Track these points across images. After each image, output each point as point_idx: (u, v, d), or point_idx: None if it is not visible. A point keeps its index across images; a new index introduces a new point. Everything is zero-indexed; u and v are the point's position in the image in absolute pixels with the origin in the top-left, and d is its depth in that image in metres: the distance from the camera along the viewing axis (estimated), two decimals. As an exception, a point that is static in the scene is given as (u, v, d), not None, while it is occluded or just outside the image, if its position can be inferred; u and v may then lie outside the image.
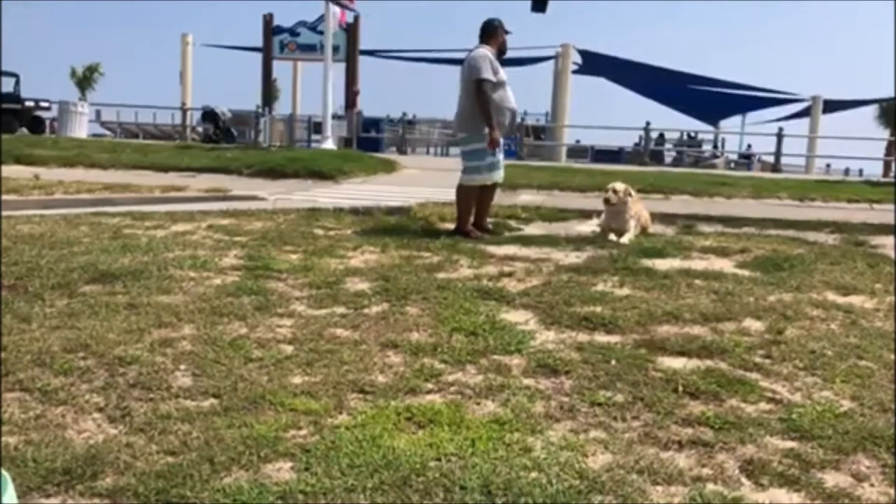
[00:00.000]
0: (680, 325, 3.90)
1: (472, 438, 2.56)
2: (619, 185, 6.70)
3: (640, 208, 6.87)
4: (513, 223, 7.40)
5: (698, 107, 32.68)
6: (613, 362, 3.32)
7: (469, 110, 6.59)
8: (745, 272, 5.18)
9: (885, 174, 21.95)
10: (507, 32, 6.83)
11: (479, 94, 6.46)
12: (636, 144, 26.55)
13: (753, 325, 3.95)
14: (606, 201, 6.67)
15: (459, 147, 7.02)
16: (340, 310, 4.03)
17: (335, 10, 18.68)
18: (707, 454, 2.55)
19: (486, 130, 6.50)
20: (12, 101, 23.91)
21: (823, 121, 27.18)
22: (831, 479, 2.41)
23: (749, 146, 31.41)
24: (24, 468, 2.30)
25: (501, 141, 6.77)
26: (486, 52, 6.60)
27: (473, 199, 6.76)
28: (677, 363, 3.35)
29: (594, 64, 30.91)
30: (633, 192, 6.74)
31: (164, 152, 15.41)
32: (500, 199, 8.83)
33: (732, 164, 28.41)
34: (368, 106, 25.12)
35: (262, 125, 22.56)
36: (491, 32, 6.75)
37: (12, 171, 10.67)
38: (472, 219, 6.72)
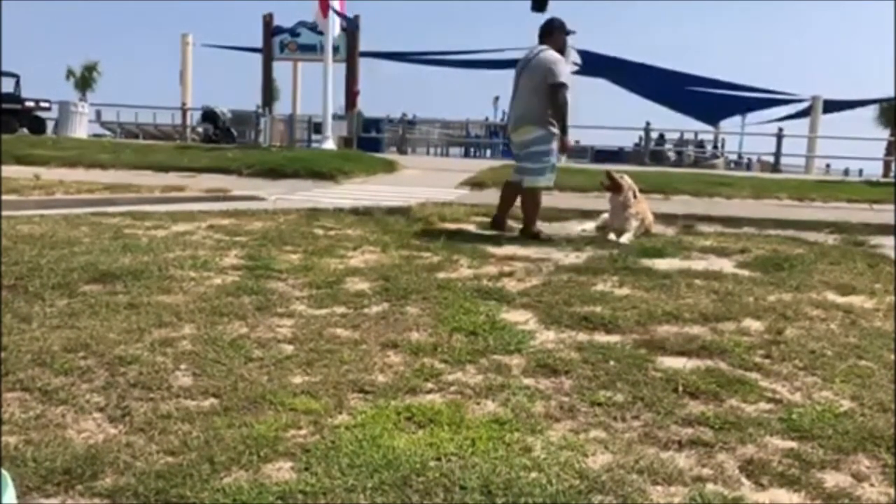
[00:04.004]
0: (680, 325, 3.90)
1: (472, 438, 2.56)
2: (627, 178, 6.80)
3: (644, 208, 6.89)
4: (513, 223, 7.39)
5: (698, 107, 32.61)
6: (613, 362, 3.32)
7: (541, 111, 6.56)
8: (745, 272, 5.18)
9: (885, 174, 21.93)
10: (567, 33, 6.74)
11: (556, 99, 6.48)
12: (636, 145, 26.55)
13: (753, 325, 3.95)
14: (602, 184, 6.81)
15: (528, 148, 6.76)
16: (340, 310, 4.04)
17: (333, 7, 18.60)
18: (707, 454, 2.55)
19: (557, 133, 6.58)
20: (12, 102, 23.89)
21: (823, 121, 27.13)
22: (831, 479, 2.41)
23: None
24: (24, 468, 2.30)
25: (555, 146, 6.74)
26: (557, 55, 6.59)
27: (541, 199, 6.84)
28: (677, 363, 3.35)
29: (594, 64, 30.79)
30: (636, 192, 6.78)
31: (165, 152, 15.39)
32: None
33: (732, 165, 28.43)
34: (369, 106, 25.15)
35: (262, 125, 22.52)
36: (551, 32, 6.72)
37: (12, 171, 10.64)
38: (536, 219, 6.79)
